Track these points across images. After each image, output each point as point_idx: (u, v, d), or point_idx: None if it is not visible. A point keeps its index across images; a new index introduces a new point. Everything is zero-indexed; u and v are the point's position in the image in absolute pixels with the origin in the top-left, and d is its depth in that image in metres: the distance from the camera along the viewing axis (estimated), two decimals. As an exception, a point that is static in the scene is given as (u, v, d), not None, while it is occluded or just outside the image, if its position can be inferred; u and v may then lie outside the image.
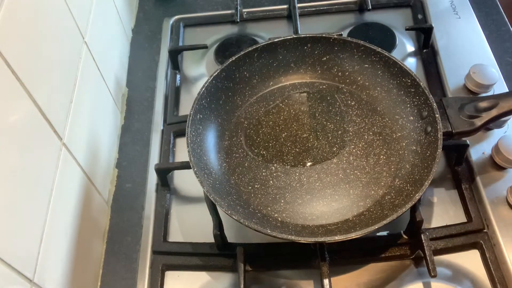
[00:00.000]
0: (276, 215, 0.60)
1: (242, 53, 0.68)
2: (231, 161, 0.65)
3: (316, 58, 0.70)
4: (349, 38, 0.68)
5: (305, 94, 0.70)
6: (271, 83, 0.71)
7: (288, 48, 0.70)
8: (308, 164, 0.64)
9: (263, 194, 0.62)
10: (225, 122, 0.68)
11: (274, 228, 0.56)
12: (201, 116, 0.64)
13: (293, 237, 0.53)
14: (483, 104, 0.60)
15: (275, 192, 0.62)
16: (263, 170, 0.64)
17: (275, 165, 0.64)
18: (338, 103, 0.68)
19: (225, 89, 0.68)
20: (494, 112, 0.59)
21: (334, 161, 0.63)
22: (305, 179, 0.62)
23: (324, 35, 0.69)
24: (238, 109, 0.69)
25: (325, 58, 0.70)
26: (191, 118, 0.62)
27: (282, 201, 0.61)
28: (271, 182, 0.63)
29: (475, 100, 0.61)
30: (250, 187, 0.62)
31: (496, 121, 0.61)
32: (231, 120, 0.68)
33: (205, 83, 0.65)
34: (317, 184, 0.62)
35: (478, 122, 0.60)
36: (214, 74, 0.66)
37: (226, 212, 0.54)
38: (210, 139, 0.65)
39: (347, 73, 0.69)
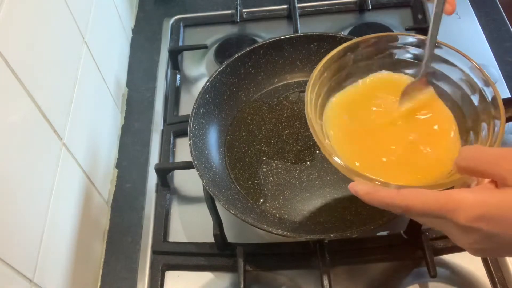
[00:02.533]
0: (274, 211, 0.60)
1: (248, 49, 0.69)
2: (232, 156, 0.65)
3: (322, 56, 0.69)
4: (355, 38, 0.68)
5: None
6: (276, 80, 0.71)
7: (294, 46, 0.70)
8: (309, 162, 0.64)
9: (262, 189, 0.62)
10: (228, 117, 0.68)
11: (271, 224, 0.56)
12: (204, 110, 0.64)
13: (289, 233, 0.53)
14: None
15: (274, 188, 0.62)
16: (264, 166, 0.64)
17: (276, 161, 0.64)
18: None
19: (230, 84, 0.68)
20: None
21: (335, 160, 0.63)
22: (305, 176, 0.62)
23: (330, 34, 0.69)
24: (242, 104, 0.70)
25: None
26: (194, 111, 0.62)
27: (281, 197, 0.61)
28: (271, 178, 0.63)
29: None
30: (250, 182, 0.63)
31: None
32: (234, 115, 0.69)
33: (210, 77, 0.66)
34: (317, 182, 0.62)
35: None
36: (220, 69, 0.66)
37: (224, 206, 0.55)
38: (213, 133, 0.65)
39: None
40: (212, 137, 0.65)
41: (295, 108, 0.69)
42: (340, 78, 0.53)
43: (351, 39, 0.68)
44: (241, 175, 0.63)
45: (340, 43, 0.68)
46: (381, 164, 0.48)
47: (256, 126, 0.68)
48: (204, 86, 0.65)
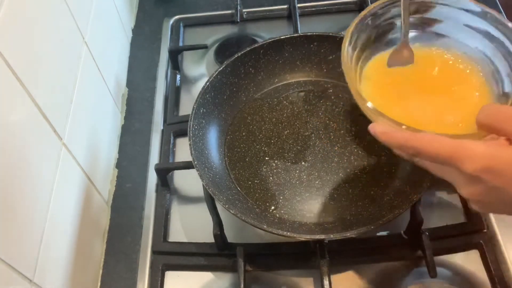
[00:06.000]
0: (274, 211, 0.60)
1: (248, 49, 0.69)
2: (232, 156, 0.65)
3: (322, 56, 0.70)
4: None
5: (309, 92, 0.70)
6: (276, 80, 0.71)
7: (294, 46, 0.70)
8: (309, 162, 0.64)
9: (262, 189, 0.62)
10: (228, 117, 0.68)
11: (271, 224, 0.56)
12: (204, 110, 0.64)
13: (289, 233, 0.53)
14: None
15: (274, 188, 0.62)
16: (264, 166, 0.64)
17: (276, 161, 0.64)
18: (342, 103, 0.68)
19: (230, 84, 0.68)
20: None
21: (335, 160, 0.63)
22: (305, 176, 0.62)
23: (331, 34, 0.69)
24: (242, 104, 0.69)
25: (331, 57, 0.70)
26: (194, 111, 0.62)
27: (281, 197, 0.61)
28: (271, 178, 0.63)
29: None
30: (250, 182, 0.62)
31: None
32: (234, 115, 0.68)
33: (210, 77, 0.66)
34: (317, 182, 0.62)
35: None
36: (220, 69, 0.66)
37: (224, 206, 0.54)
38: (213, 133, 0.65)
39: None
40: (212, 137, 0.65)
41: (295, 108, 0.69)
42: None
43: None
44: (241, 175, 0.63)
45: (340, 43, 0.69)
46: (408, 113, 0.49)
47: (256, 126, 0.68)
48: (204, 86, 0.65)
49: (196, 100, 0.63)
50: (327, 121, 0.67)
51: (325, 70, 0.71)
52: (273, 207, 0.60)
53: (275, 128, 0.67)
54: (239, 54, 0.68)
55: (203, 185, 0.58)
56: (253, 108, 0.69)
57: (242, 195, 0.61)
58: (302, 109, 0.69)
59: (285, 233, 0.53)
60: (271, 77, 0.71)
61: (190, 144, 0.59)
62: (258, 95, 0.71)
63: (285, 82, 0.72)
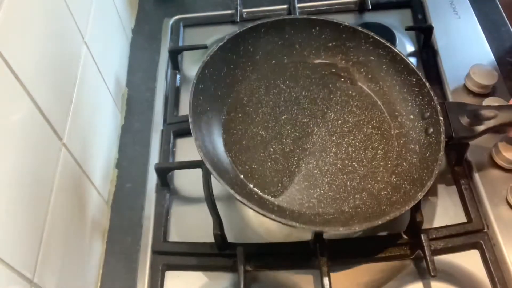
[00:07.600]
0: (272, 198, 0.59)
1: (249, 26, 0.67)
2: (229, 138, 0.63)
3: (322, 42, 0.70)
4: (359, 28, 0.67)
5: (306, 78, 0.69)
6: (274, 61, 0.70)
7: (296, 28, 0.69)
8: (307, 150, 0.63)
9: (260, 175, 0.61)
10: (224, 95, 0.66)
11: (272, 212, 0.53)
12: (202, 86, 0.62)
13: (297, 224, 0.51)
14: (484, 113, 0.60)
15: (272, 174, 0.61)
16: (261, 151, 0.63)
17: (273, 146, 0.63)
18: (339, 92, 0.68)
19: (228, 61, 0.67)
20: (493, 123, 0.60)
21: (333, 151, 0.63)
22: (303, 164, 0.62)
23: (334, 21, 0.68)
24: (238, 84, 0.68)
25: (331, 44, 0.69)
26: (194, 87, 0.60)
27: (279, 184, 0.60)
28: (268, 164, 0.62)
29: (476, 108, 0.61)
30: (247, 167, 0.61)
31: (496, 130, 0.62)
32: (230, 95, 0.67)
33: (210, 51, 0.64)
34: (315, 171, 0.61)
35: (478, 129, 0.60)
36: (221, 44, 0.65)
37: (225, 186, 0.52)
38: (209, 111, 0.63)
39: (350, 63, 0.69)
40: (209, 115, 0.63)
41: (292, 93, 0.68)
42: None
43: (354, 28, 0.68)
44: (237, 159, 0.61)
45: (343, 31, 0.69)
46: None
47: (252, 108, 0.66)
48: (204, 60, 0.63)
49: (196, 75, 0.61)
50: (325, 110, 0.66)
51: (323, 57, 0.70)
52: (271, 194, 0.59)
53: (272, 112, 0.66)
54: (241, 31, 0.66)
55: (203, 184, 0.58)
56: (249, 90, 0.68)
57: (239, 180, 0.59)
58: (300, 95, 0.67)
59: (293, 223, 0.50)
60: (268, 58, 0.70)
61: (191, 122, 0.57)
62: (255, 76, 0.69)
63: (282, 65, 0.70)
